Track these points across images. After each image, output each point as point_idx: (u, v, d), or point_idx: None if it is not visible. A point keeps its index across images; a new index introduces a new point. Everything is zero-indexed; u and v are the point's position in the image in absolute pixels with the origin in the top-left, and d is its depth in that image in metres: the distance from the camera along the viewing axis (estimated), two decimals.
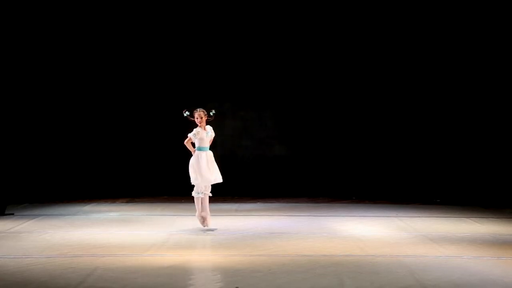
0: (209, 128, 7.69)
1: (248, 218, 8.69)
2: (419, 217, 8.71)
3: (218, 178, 7.68)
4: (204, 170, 7.54)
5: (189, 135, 7.64)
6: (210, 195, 7.76)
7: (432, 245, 6.75)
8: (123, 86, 11.31)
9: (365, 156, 11.27)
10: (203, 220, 7.66)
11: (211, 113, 7.65)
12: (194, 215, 7.97)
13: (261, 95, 11.44)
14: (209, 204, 10.00)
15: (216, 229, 7.64)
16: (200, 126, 7.59)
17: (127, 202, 10.35)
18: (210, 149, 7.73)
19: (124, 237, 7.18)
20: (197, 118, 7.59)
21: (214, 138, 7.78)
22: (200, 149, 7.64)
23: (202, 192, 7.61)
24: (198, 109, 7.65)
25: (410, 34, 11.04)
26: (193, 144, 7.70)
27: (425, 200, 10.61)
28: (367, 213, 9.09)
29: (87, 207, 9.66)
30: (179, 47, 11.32)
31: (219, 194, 11.03)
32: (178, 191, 11.14)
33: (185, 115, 7.64)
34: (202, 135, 7.62)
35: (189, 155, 7.51)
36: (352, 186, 11.18)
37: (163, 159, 11.37)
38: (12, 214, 8.82)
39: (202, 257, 6.16)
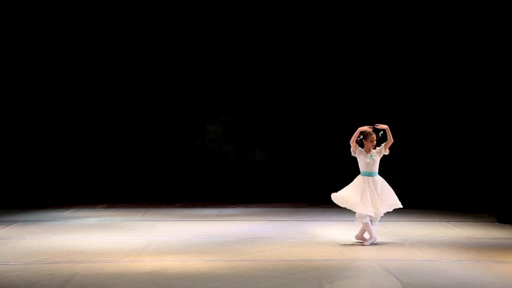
0: (374, 151, 6.89)
1: (229, 223, 8.67)
2: (399, 221, 8.77)
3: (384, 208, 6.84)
4: (364, 198, 6.80)
5: (357, 147, 6.89)
6: (376, 224, 6.94)
7: (411, 249, 6.80)
8: (102, 93, 11.25)
9: (345, 161, 11.31)
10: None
11: (380, 134, 6.89)
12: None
13: (242, 100, 11.46)
14: (191, 209, 10.01)
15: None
16: (365, 149, 6.87)
17: (107, 207, 10.26)
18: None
19: (103, 243, 7.12)
20: (371, 142, 6.86)
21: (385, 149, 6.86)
22: (362, 173, 6.95)
23: (364, 218, 6.82)
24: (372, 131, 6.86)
25: (399, 42, 11.09)
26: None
27: (405, 204, 10.68)
28: (348, 218, 9.11)
29: (66, 213, 9.56)
30: (160, 53, 11.30)
31: (200, 199, 11.10)
32: (158, 196, 11.11)
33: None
34: (362, 158, 6.88)
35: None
36: (332, 191, 11.21)
37: (144, 164, 11.32)
38: None
39: (183, 263, 6.12)
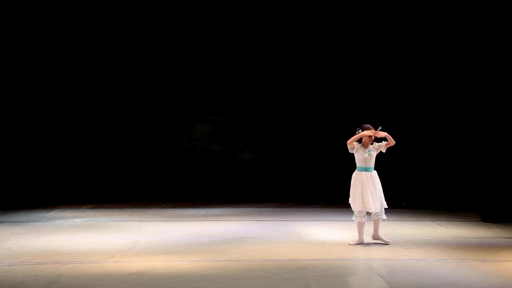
0: (372, 146, 6.84)
1: (216, 223, 8.66)
2: (385, 220, 8.79)
3: (377, 207, 6.82)
4: (360, 194, 6.76)
5: (354, 144, 6.83)
6: (384, 217, 6.93)
7: (398, 248, 6.83)
8: (88, 93, 11.19)
9: (332, 161, 11.37)
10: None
11: (378, 129, 6.85)
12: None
13: (230, 99, 11.46)
14: (178, 210, 9.97)
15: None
16: (363, 145, 6.82)
17: (93, 208, 10.20)
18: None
19: (89, 244, 7.07)
20: (369, 137, 6.80)
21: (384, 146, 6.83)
22: (358, 169, 6.86)
23: (362, 217, 6.82)
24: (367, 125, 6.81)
25: (384, 39, 11.11)
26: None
27: (390, 204, 10.72)
28: (334, 218, 9.16)
29: (51, 214, 9.48)
30: (147, 52, 11.25)
31: (188, 199, 11.06)
32: (145, 196, 11.06)
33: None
34: (359, 153, 6.83)
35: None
36: (319, 190, 11.26)
37: (131, 164, 11.27)
38: None
39: (169, 263, 6.10)
